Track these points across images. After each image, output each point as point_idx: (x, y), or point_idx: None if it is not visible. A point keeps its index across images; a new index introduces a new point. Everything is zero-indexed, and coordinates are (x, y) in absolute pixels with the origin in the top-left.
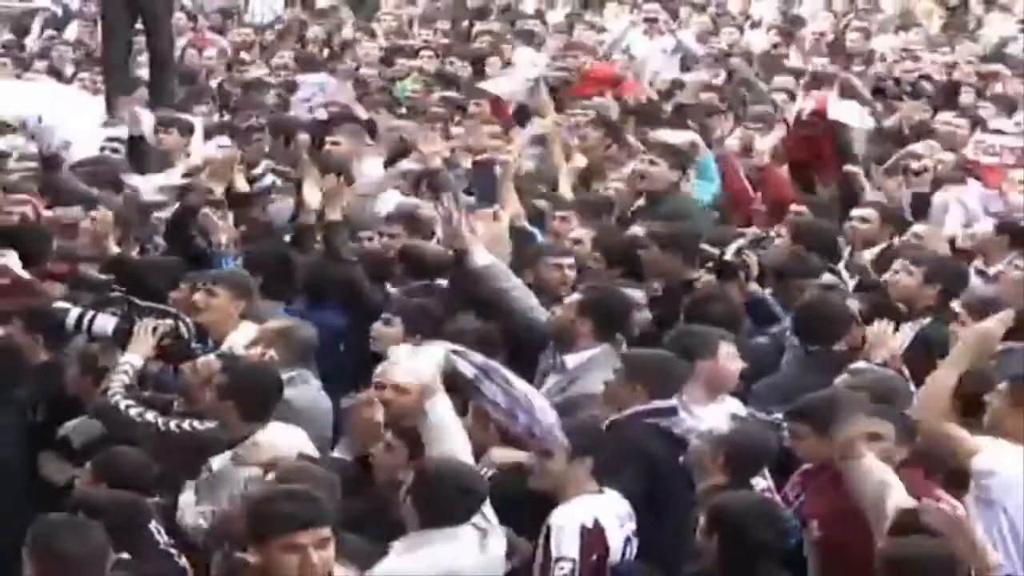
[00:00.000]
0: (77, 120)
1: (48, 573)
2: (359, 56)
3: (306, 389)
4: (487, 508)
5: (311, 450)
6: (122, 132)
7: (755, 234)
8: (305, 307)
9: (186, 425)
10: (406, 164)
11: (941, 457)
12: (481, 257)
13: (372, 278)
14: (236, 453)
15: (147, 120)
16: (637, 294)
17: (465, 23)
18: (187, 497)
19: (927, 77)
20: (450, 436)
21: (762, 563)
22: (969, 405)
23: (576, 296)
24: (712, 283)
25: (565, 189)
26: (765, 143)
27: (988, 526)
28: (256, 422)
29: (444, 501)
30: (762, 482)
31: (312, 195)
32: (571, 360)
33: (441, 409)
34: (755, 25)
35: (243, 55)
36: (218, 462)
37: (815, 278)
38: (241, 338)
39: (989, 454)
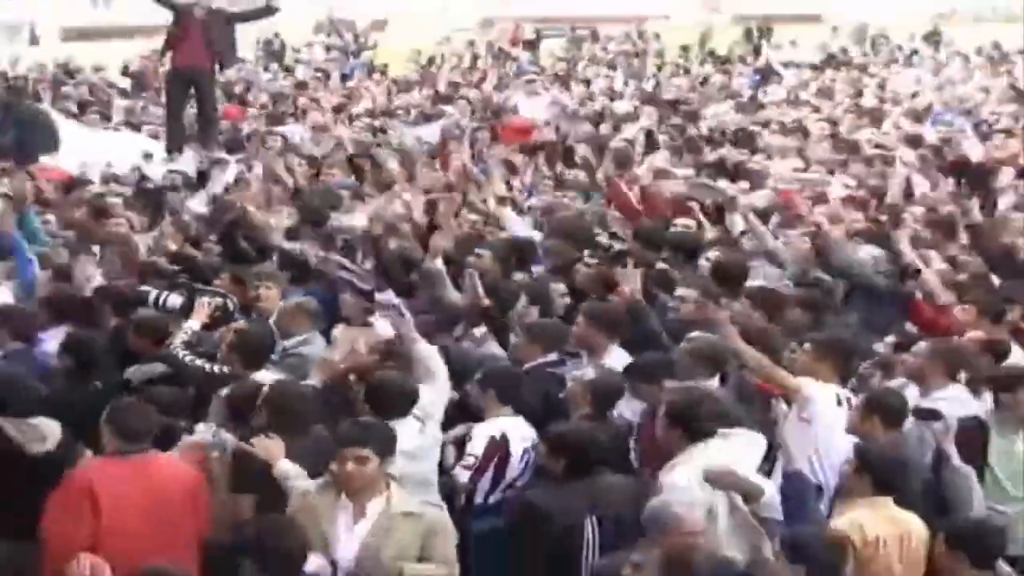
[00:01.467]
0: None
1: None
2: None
3: (315, 347)
4: (429, 406)
5: None
6: (182, 166)
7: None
8: (322, 290)
9: (226, 369)
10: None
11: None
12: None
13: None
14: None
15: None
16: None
17: None
18: (199, 427)
19: (743, 130)
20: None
21: (600, 470)
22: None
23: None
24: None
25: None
26: (643, 168)
27: (804, 439)
28: (251, 369)
29: (388, 400)
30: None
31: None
32: (478, 331)
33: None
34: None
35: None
36: (225, 391)
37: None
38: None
39: (808, 389)
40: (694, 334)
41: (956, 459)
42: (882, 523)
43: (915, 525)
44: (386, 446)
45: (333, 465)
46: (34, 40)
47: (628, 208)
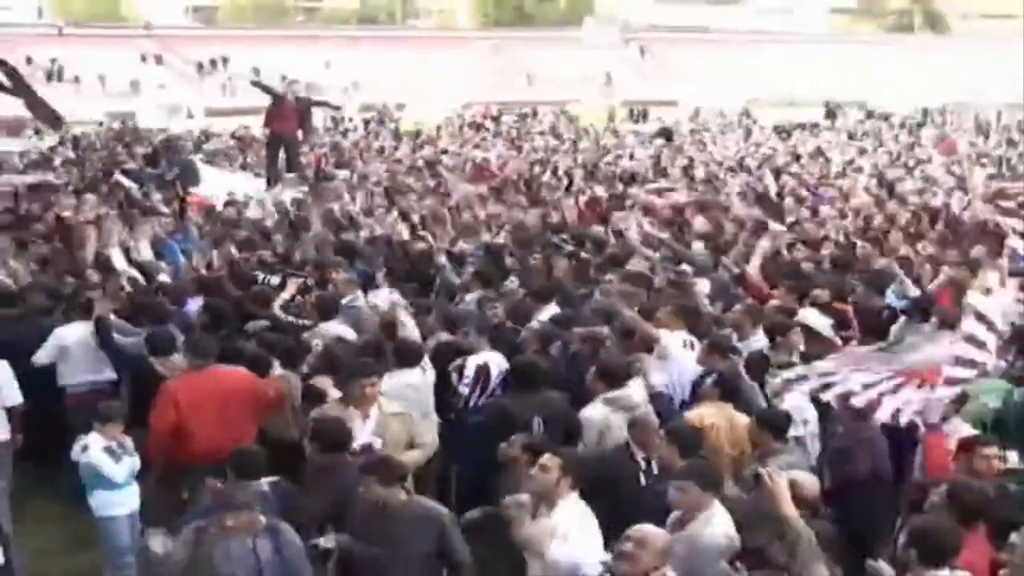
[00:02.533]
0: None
1: None
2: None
3: (360, 301)
4: (427, 362)
5: (350, 333)
6: (281, 196)
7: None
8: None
9: (307, 322)
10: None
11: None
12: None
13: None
14: (314, 332)
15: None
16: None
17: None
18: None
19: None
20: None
21: (542, 387)
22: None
23: (471, 269)
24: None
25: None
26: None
27: (663, 371)
28: (325, 320)
29: (404, 355)
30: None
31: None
32: (468, 297)
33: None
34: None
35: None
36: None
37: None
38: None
39: (665, 339)
40: (595, 298)
41: (746, 377)
42: (716, 416)
43: (741, 418)
44: (381, 374)
45: (352, 388)
46: (189, 115)
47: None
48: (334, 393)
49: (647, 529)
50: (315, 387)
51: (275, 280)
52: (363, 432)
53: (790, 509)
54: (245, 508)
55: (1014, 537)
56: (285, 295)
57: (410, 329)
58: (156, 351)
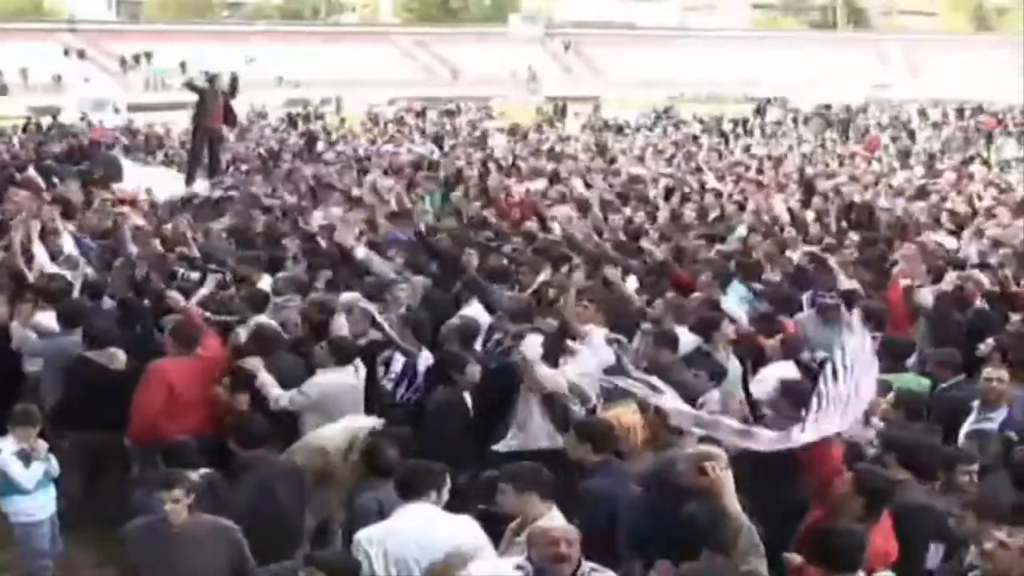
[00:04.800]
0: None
1: None
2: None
3: (296, 301)
4: (359, 363)
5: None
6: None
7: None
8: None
9: (229, 318)
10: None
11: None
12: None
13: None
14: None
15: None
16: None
17: None
18: None
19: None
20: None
21: (460, 378)
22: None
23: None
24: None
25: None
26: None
27: (588, 361)
28: (256, 313)
29: (338, 354)
30: None
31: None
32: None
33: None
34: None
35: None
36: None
37: None
38: (264, 283)
39: (590, 334)
40: (508, 294)
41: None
42: (630, 415)
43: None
44: None
45: None
46: (116, 110)
47: (503, 212)
48: (265, 376)
49: None
50: (244, 368)
51: (194, 276)
52: None
53: (732, 502)
54: None
55: (987, 545)
56: (204, 290)
57: (343, 327)
58: (94, 344)
